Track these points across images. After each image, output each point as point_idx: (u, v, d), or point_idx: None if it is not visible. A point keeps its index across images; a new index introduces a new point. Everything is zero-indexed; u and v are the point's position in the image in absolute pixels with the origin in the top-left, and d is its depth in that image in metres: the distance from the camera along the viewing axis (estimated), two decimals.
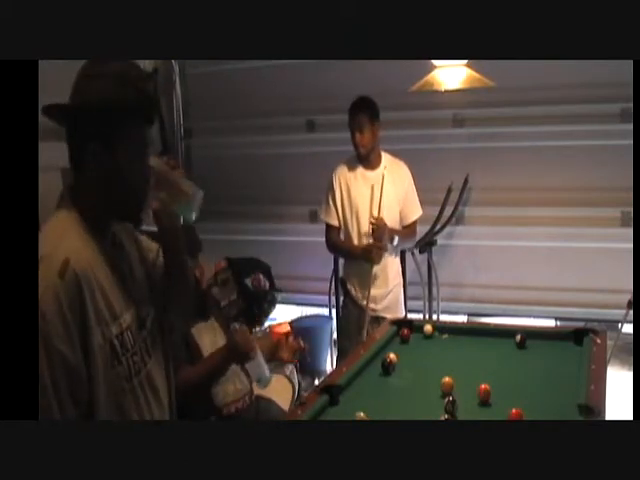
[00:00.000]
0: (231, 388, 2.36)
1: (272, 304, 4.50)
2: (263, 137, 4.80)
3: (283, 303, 4.65)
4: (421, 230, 4.08)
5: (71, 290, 1.33)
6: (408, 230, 3.53)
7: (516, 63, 3.41)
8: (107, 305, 1.41)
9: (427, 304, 4.20)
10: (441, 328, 2.87)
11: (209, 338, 2.34)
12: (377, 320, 3.40)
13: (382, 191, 3.29)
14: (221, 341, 2.32)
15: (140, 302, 1.53)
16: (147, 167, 1.48)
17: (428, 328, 2.81)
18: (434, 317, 4.17)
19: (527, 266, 4.21)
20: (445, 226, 4.25)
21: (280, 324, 4.78)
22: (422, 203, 3.54)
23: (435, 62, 3.47)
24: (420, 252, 4.10)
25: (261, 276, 4.47)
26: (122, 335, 1.44)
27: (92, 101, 1.39)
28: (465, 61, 3.33)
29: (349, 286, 3.53)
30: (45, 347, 1.29)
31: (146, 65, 4.83)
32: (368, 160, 3.40)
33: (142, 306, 1.54)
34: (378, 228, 3.25)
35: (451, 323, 3.56)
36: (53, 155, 3.53)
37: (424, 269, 4.19)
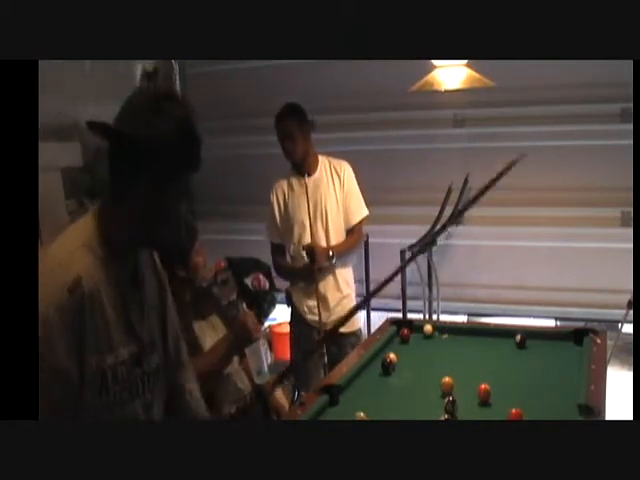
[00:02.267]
0: (232, 387, 2.36)
1: (272, 304, 4.53)
2: (262, 137, 4.79)
3: (283, 303, 4.66)
4: (421, 230, 4.08)
5: (74, 308, 1.34)
6: (351, 239, 3.32)
7: (516, 63, 3.41)
8: (106, 334, 1.41)
9: (427, 304, 4.20)
10: (441, 328, 2.87)
11: (210, 337, 2.34)
12: (329, 336, 3.21)
13: (308, 201, 3.16)
14: None
15: (143, 342, 1.52)
16: (188, 210, 1.52)
17: (428, 328, 2.81)
18: (434, 317, 4.17)
19: (527, 266, 4.21)
20: (445, 226, 4.25)
21: (280, 324, 4.79)
22: (422, 203, 3.50)
23: (435, 62, 3.47)
24: (420, 252, 4.09)
25: (261, 276, 4.49)
26: (115, 367, 1.43)
27: (157, 139, 1.36)
28: (465, 61, 3.33)
29: (294, 300, 3.40)
30: (41, 355, 1.29)
31: (146, 65, 4.84)
32: (303, 168, 3.24)
33: (145, 347, 1.53)
34: (310, 254, 3.11)
35: (451, 323, 3.56)
36: (53, 155, 3.55)
37: (424, 269, 4.19)
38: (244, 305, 2.27)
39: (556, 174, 4.09)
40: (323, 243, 3.23)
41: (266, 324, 4.66)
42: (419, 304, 4.12)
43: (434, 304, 4.25)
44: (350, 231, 3.33)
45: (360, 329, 3.42)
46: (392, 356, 2.44)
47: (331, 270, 3.27)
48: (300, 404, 2.14)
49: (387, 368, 2.40)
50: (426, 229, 4.11)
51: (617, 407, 2.49)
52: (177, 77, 5.08)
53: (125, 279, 1.47)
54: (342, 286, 3.33)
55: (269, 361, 2.27)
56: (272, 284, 4.56)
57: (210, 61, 4.53)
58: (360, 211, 3.33)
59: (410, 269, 3.96)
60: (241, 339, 2.18)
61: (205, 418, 1.78)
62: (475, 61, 3.29)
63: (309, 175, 3.24)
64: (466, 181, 4.23)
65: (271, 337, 4.73)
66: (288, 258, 3.38)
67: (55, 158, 3.60)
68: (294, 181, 3.31)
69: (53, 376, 1.33)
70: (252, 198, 4.73)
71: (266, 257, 4.57)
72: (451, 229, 4.34)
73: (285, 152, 3.23)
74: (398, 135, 4.22)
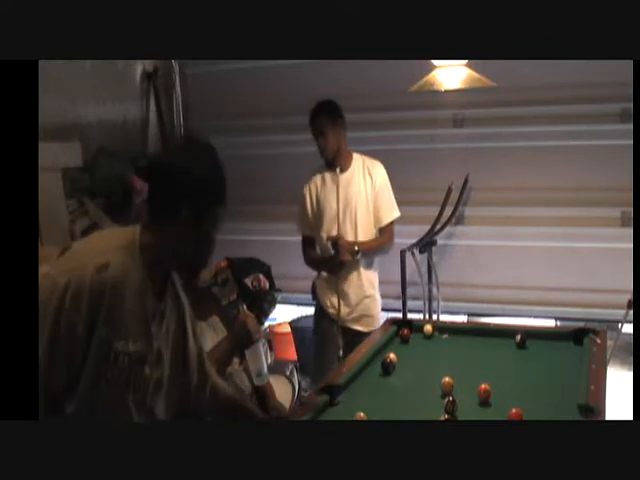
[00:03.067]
0: (232, 388, 2.36)
1: (272, 304, 4.52)
2: (263, 137, 4.80)
3: (283, 303, 4.66)
4: (421, 230, 4.08)
5: (96, 288, 1.45)
6: (379, 239, 3.35)
7: (516, 63, 3.42)
8: (120, 323, 1.50)
9: (427, 304, 4.20)
10: (441, 328, 2.87)
11: (210, 338, 2.34)
12: (347, 332, 3.28)
13: (338, 195, 3.20)
14: None
15: (152, 348, 1.61)
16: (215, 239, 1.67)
17: (428, 328, 2.81)
18: (434, 317, 4.17)
19: (527, 266, 4.20)
20: (445, 226, 4.25)
21: (280, 324, 4.79)
22: (422, 203, 3.50)
23: (435, 62, 3.47)
24: (420, 252, 4.09)
25: (261, 276, 4.49)
26: (118, 354, 1.52)
27: (205, 174, 1.59)
28: (465, 61, 3.32)
29: (318, 293, 3.44)
30: (54, 316, 1.42)
31: (146, 65, 4.85)
32: (336, 164, 3.26)
33: (152, 352, 1.61)
34: (334, 245, 3.16)
35: (451, 323, 3.56)
36: (53, 155, 3.55)
37: (424, 269, 4.18)
38: (244, 306, 2.27)
39: (556, 174, 4.08)
40: (350, 239, 3.26)
41: (266, 324, 4.65)
42: (419, 304, 4.12)
43: (434, 304, 4.25)
44: (380, 231, 3.36)
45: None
46: (392, 356, 2.44)
47: (356, 268, 3.30)
48: (300, 404, 2.14)
49: (387, 368, 2.39)
50: (426, 229, 4.11)
51: (617, 407, 2.49)
52: (177, 77, 5.09)
53: (149, 289, 1.58)
54: (366, 286, 3.35)
55: (269, 361, 2.28)
56: (272, 284, 4.56)
57: (210, 61, 4.52)
58: (391, 212, 3.35)
59: (410, 269, 3.95)
60: (241, 340, 2.18)
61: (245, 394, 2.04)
62: (475, 61, 3.29)
63: (342, 172, 3.28)
64: (466, 181, 4.23)
65: (271, 337, 4.73)
66: (318, 250, 3.42)
67: (55, 158, 3.60)
68: (327, 176, 3.34)
69: (63, 335, 1.43)
70: (252, 198, 4.74)
71: (266, 257, 4.59)
72: (451, 229, 4.34)
73: (319, 149, 3.27)
74: (398, 135, 4.22)
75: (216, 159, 1.63)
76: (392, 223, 3.37)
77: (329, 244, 3.21)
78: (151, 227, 1.59)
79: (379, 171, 3.35)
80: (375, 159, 3.40)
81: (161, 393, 1.65)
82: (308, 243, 3.43)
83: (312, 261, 3.45)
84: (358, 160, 3.35)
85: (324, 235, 3.31)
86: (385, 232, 3.36)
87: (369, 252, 3.30)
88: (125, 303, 1.50)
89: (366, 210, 3.31)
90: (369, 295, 3.37)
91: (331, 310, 3.35)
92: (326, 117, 3.24)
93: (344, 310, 3.29)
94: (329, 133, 3.22)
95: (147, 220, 1.60)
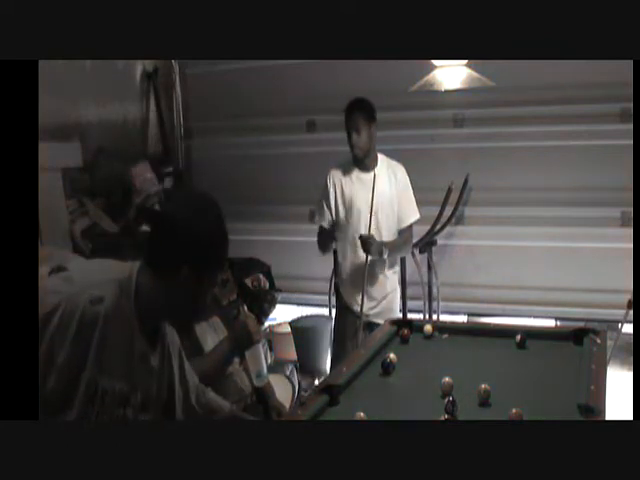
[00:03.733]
0: (233, 388, 2.36)
1: (272, 304, 4.53)
2: (263, 137, 4.80)
3: (283, 303, 4.66)
4: (421, 230, 4.08)
5: (88, 320, 1.44)
6: (402, 238, 3.41)
7: (516, 63, 3.42)
8: (107, 360, 1.48)
9: (427, 304, 4.20)
10: (441, 328, 2.87)
11: (211, 338, 2.34)
12: (370, 326, 3.33)
13: (373, 194, 3.21)
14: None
15: (137, 392, 1.58)
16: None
17: (428, 328, 2.81)
18: (434, 317, 4.17)
19: (527, 266, 4.21)
20: (445, 226, 4.25)
21: (280, 324, 4.79)
22: (422, 203, 3.50)
23: (435, 62, 3.47)
24: (420, 252, 4.10)
25: (261, 276, 4.49)
26: (104, 392, 1.50)
27: (212, 237, 1.56)
28: (465, 61, 3.33)
29: (342, 291, 3.48)
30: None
31: (146, 65, 4.85)
32: (364, 162, 3.31)
33: (136, 393, 1.58)
34: (365, 244, 3.18)
35: (451, 323, 3.55)
36: (53, 155, 3.56)
37: (424, 269, 4.19)
38: (245, 307, 2.27)
39: (556, 174, 4.09)
40: (377, 238, 3.29)
41: (266, 324, 4.66)
42: (419, 304, 4.12)
43: (434, 304, 4.25)
44: (400, 232, 3.40)
45: None
46: (392, 356, 2.44)
47: (381, 267, 3.35)
48: (300, 404, 2.14)
49: (387, 368, 2.39)
50: (426, 229, 4.11)
51: (617, 407, 2.49)
52: (177, 77, 5.09)
53: (139, 331, 1.55)
54: (389, 284, 3.43)
55: (269, 361, 2.28)
56: (272, 284, 4.56)
57: (210, 61, 4.52)
58: (413, 214, 3.40)
59: (410, 269, 3.96)
60: (242, 341, 2.18)
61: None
62: (475, 61, 3.29)
63: (368, 171, 3.30)
64: (466, 181, 4.23)
65: (271, 337, 4.73)
66: (334, 245, 3.45)
67: (55, 158, 3.60)
68: (355, 173, 3.35)
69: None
70: (252, 198, 4.75)
71: (266, 257, 4.59)
72: (451, 229, 4.34)
73: (350, 144, 3.27)
74: (398, 135, 4.22)
75: (223, 225, 1.59)
76: (411, 226, 3.43)
77: (358, 242, 3.22)
78: (149, 271, 1.55)
79: (402, 173, 3.40)
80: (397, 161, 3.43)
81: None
82: (326, 234, 3.41)
83: (326, 248, 3.45)
84: (383, 161, 3.38)
85: (350, 229, 3.33)
86: (405, 232, 3.42)
87: (394, 252, 3.36)
88: (114, 340, 1.48)
89: (390, 211, 3.35)
90: (392, 290, 3.46)
91: (356, 307, 3.38)
92: (363, 114, 3.25)
93: (368, 305, 3.35)
94: (363, 130, 3.23)
95: (146, 263, 1.56)
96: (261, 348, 2.22)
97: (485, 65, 3.41)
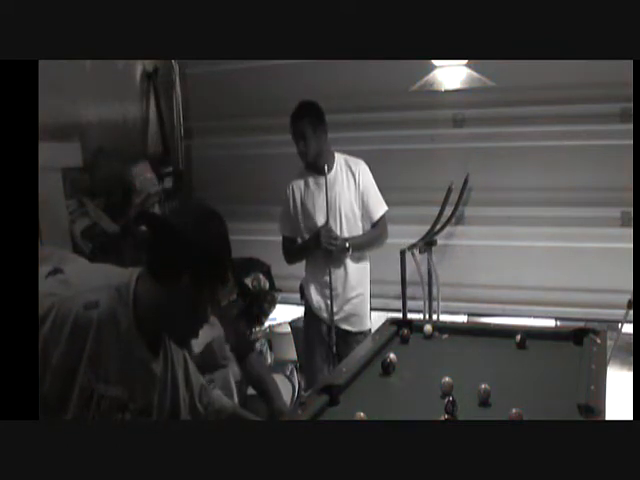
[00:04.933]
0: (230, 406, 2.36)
1: (272, 304, 4.52)
2: (263, 137, 4.79)
3: (283, 303, 4.66)
4: (421, 230, 4.08)
5: (81, 324, 1.43)
6: (369, 233, 3.34)
7: (516, 63, 3.41)
8: (102, 365, 1.48)
9: (427, 304, 4.20)
10: (441, 328, 2.87)
11: (202, 331, 2.34)
12: (338, 331, 3.28)
13: (327, 196, 3.17)
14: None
15: (135, 395, 1.57)
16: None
17: (428, 328, 2.81)
18: (434, 317, 4.17)
19: (527, 266, 4.20)
20: (445, 226, 4.25)
21: (280, 324, 4.78)
22: (422, 203, 3.50)
23: (435, 62, 3.47)
24: (420, 252, 4.09)
25: (261, 276, 4.49)
26: (100, 397, 1.49)
27: (215, 248, 1.57)
28: (465, 61, 3.32)
29: (306, 293, 3.42)
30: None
31: (146, 65, 4.85)
32: (317, 167, 3.24)
33: (136, 399, 1.57)
34: (322, 236, 3.14)
35: (451, 323, 3.56)
36: (53, 155, 3.55)
37: (424, 269, 4.18)
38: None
39: (556, 174, 4.08)
40: None
41: (266, 324, 4.65)
42: (419, 304, 4.12)
43: (434, 304, 4.25)
44: (373, 227, 3.35)
45: (370, 329, 3.41)
46: (392, 356, 2.44)
47: (345, 265, 3.29)
48: (300, 404, 2.14)
49: (387, 368, 2.39)
50: (426, 229, 4.11)
51: (617, 407, 2.49)
52: (177, 77, 5.08)
53: (139, 340, 1.54)
54: (354, 284, 3.33)
55: (269, 361, 2.27)
56: (272, 284, 4.56)
57: (210, 61, 4.52)
58: (381, 207, 3.34)
59: (410, 269, 3.95)
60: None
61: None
62: (475, 61, 3.29)
63: (323, 174, 3.23)
64: (466, 181, 4.23)
65: (271, 337, 4.73)
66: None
67: (55, 158, 3.60)
68: (310, 179, 3.31)
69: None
70: (252, 198, 4.74)
71: (266, 257, 4.58)
72: (451, 229, 4.34)
73: (298, 153, 3.24)
74: (398, 135, 4.22)
75: (227, 239, 1.61)
76: (384, 217, 3.36)
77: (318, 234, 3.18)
78: (148, 279, 1.54)
79: (362, 169, 3.32)
80: (357, 157, 3.38)
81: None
82: (289, 244, 3.41)
83: (294, 256, 3.43)
84: (340, 159, 3.32)
85: (307, 236, 3.30)
86: (379, 226, 3.36)
87: (360, 247, 3.30)
88: (109, 346, 1.48)
89: (350, 209, 3.29)
90: (358, 294, 3.35)
91: (319, 311, 3.34)
92: (305, 120, 3.19)
93: (333, 307, 3.28)
94: (309, 136, 3.18)
95: (146, 269, 1.55)
96: (230, 375, 2.19)
97: (485, 65, 3.40)
